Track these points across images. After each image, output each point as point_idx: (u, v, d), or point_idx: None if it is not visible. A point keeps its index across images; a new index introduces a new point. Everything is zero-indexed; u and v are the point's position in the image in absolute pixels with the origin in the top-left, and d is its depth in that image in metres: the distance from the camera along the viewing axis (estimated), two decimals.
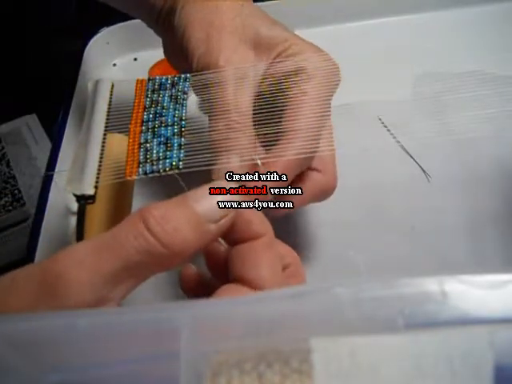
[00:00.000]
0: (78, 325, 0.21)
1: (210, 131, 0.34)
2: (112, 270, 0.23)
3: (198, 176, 0.31)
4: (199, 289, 0.31)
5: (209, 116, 0.35)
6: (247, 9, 0.38)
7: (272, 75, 0.36)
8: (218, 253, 0.30)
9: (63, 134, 0.53)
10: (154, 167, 0.31)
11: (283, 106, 0.35)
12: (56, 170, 0.50)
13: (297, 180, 0.37)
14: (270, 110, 0.34)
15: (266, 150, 0.35)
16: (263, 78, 0.36)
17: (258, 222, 0.28)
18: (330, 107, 0.36)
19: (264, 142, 0.35)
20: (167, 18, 0.40)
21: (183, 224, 0.25)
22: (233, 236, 0.28)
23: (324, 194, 0.39)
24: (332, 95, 0.36)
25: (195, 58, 0.36)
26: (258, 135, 0.35)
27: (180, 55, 0.38)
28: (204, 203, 0.26)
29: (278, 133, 0.34)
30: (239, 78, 0.35)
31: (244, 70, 0.35)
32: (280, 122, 0.35)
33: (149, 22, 0.43)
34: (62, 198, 0.50)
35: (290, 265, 0.30)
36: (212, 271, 0.31)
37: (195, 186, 0.27)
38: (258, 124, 0.35)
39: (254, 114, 0.35)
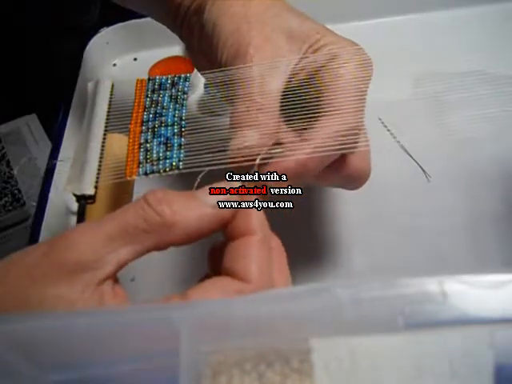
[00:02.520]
0: (78, 325, 0.21)
1: (230, 113, 0.34)
2: (111, 233, 0.26)
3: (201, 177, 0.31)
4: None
5: (232, 102, 0.34)
6: (278, 3, 0.38)
7: (303, 69, 0.35)
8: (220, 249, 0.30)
9: (63, 134, 0.53)
10: (154, 167, 0.31)
11: (316, 98, 0.34)
12: (56, 170, 0.50)
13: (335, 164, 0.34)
14: (300, 105, 0.34)
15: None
16: (293, 74, 0.35)
17: (256, 219, 0.28)
18: (365, 96, 0.35)
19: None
20: (195, 15, 0.39)
21: (178, 198, 0.27)
22: (230, 230, 0.28)
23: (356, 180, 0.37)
24: (367, 87, 0.35)
25: (225, 50, 0.36)
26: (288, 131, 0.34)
27: (207, 52, 0.37)
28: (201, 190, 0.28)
29: (310, 120, 0.33)
30: (269, 66, 0.34)
31: (275, 60, 0.35)
32: (310, 117, 0.34)
33: (173, 22, 0.42)
34: (61, 198, 0.50)
35: (273, 249, 0.30)
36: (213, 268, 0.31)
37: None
38: (288, 118, 0.34)
39: (282, 108, 0.34)
